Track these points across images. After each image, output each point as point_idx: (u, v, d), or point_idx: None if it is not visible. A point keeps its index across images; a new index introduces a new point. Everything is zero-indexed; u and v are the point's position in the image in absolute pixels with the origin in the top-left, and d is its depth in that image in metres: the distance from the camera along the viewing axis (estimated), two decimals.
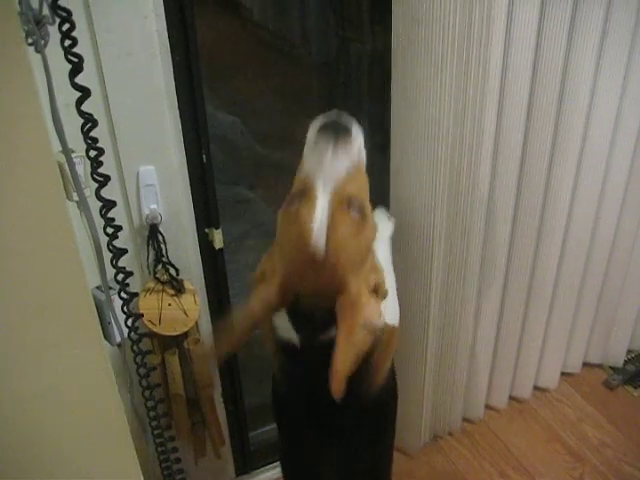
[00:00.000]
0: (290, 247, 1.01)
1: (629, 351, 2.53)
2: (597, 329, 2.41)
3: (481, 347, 2.11)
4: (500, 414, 2.34)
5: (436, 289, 1.82)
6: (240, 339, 1.10)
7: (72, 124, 0.92)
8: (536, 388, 2.42)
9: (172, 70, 1.35)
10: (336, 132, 1.00)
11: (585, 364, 2.51)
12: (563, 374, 2.47)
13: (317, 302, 1.02)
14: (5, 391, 0.60)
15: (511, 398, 2.38)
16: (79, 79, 0.88)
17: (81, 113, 0.77)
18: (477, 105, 1.59)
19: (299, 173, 1.06)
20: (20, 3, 0.75)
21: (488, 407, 2.35)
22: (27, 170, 0.54)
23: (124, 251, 0.92)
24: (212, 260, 1.62)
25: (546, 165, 1.83)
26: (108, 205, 0.88)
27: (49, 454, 0.65)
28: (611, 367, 2.52)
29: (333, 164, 0.99)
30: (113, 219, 0.91)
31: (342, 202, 0.98)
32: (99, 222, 0.97)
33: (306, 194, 0.99)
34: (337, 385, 0.94)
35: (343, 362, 0.95)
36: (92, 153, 0.85)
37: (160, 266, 1.49)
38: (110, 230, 0.92)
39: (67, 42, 0.79)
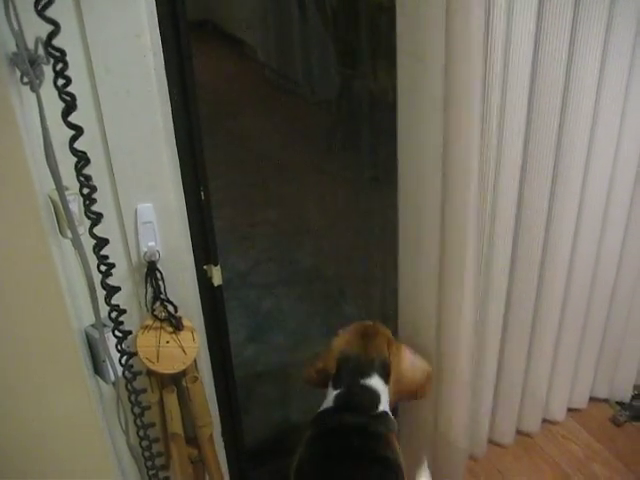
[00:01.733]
0: (351, 327, 1.64)
1: (636, 386, 2.49)
2: (603, 363, 2.39)
3: (483, 383, 2.08)
4: (506, 451, 2.30)
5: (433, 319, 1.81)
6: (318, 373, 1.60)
7: (69, 163, 0.93)
8: (544, 421, 2.38)
9: (170, 108, 1.36)
10: None
11: (592, 399, 2.47)
12: (570, 410, 2.44)
13: (363, 355, 1.54)
14: None
15: (518, 432, 2.34)
16: (75, 117, 0.89)
17: (74, 151, 0.77)
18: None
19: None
20: (17, 45, 0.75)
21: (493, 442, 2.31)
22: (9, 209, 0.53)
23: (117, 289, 0.91)
24: (211, 297, 1.61)
25: (546, 207, 1.84)
26: (101, 243, 0.88)
27: None
28: (618, 402, 2.48)
29: None
30: (107, 257, 0.91)
31: None
32: (93, 259, 0.96)
33: None
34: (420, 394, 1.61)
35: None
36: (85, 191, 0.85)
37: (158, 303, 1.48)
38: (103, 268, 0.91)
39: (61, 81, 0.79)
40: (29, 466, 0.61)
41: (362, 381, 1.52)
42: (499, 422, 2.26)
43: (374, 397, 1.53)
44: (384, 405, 1.54)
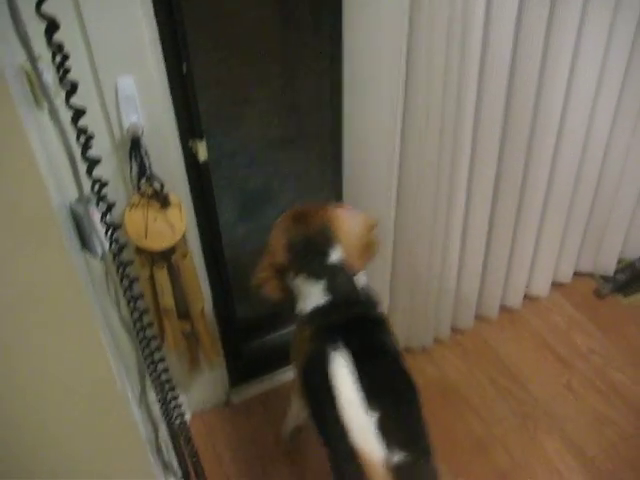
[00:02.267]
0: (288, 214, 1.53)
1: (620, 260, 2.55)
2: (588, 238, 2.42)
3: (470, 255, 2.12)
4: (491, 324, 2.38)
5: (422, 195, 1.81)
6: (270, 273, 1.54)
7: (40, 30, 0.89)
8: (527, 297, 2.44)
9: None
10: None
11: (576, 273, 2.53)
12: (554, 284, 2.49)
13: (312, 232, 1.49)
14: None
15: (502, 308, 2.40)
16: None
17: (41, 15, 0.74)
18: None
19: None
20: None
21: (479, 317, 2.38)
22: None
23: (97, 161, 0.90)
24: (197, 173, 1.60)
25: (537, 70, 1.79)
26: (78, 113, 0.85)
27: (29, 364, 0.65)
28: (602, 276, 2.54)
29: None
30: (85, 128, 0.89)
31: None
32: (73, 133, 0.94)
33: None
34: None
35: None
36: (58, 59, 0.81)
37: (144, 180, 1.47)
38: (82, 139, 0.89)
39: None
40: (10, 342, 0.62)
41: (330, 261, 1.47)
42: (485, 297, 2.32)
43: (349, 276, 1.48)
44: (360, 279, 1.51)
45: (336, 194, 1.93)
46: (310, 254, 1.49)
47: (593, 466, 1.92)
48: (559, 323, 2.38)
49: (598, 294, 2.49)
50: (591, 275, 2.55)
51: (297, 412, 1.86)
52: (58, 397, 0.68)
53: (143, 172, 1.46)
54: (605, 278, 2.53)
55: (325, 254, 1.47)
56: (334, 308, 1.48)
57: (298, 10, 1.84)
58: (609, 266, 2.52)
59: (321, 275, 1.48)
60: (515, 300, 2.39)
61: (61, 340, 0.63)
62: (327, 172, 1.99)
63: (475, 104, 1.74)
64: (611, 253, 2.49)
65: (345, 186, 1.86)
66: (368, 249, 1.56)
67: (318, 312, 1.49)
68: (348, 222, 1.52)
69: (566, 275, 2.49)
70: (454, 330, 2.34)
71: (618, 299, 2.48)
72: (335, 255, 1.47)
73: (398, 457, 1.25)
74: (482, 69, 1.69)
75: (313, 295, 1.49)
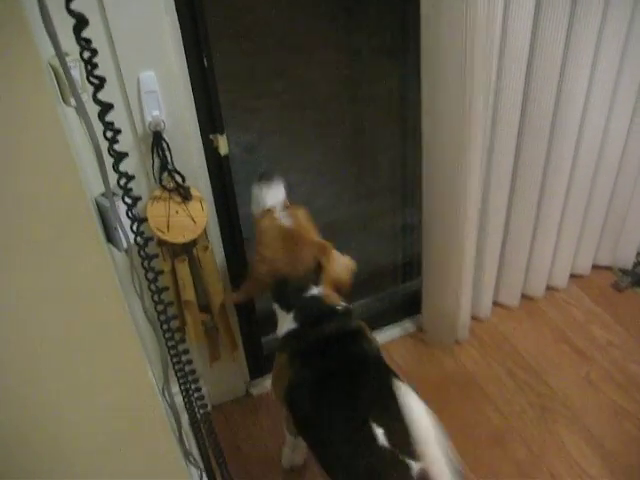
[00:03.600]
0: (271, 240, 1.52)
1: (639, 253, 2.53)
2: (607, 231, 2.42)
3: (490, 248, 2.12)
4: (509, 315, 2.38)
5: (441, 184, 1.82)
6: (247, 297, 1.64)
7: (67, 26, 0.90)
8: (547, 287, 2.44)
9: None
10: (270, 178, 1.58)
11: (595, 266, 2.52)
12: (572, 276, 2.49)
13: (298, 269, 1.49)
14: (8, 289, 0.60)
15: (522, 297, 2.41)
16: None
17: (71, 12, 0.75)
18: None
19: (254, 211, 1.59)
20: None
21: (498, 305, 2.39)
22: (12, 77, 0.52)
23: (125, 155, 0.91)
24: (218, 167, 1.62)
25: (558, 71, 1.79)
26: (106, 108, 0.86)
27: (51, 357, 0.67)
28: (620, 269, 2.53)
29: (275, 192, 1.57)
30: (112, 123, 0.90)
31: (287, 205, 1.57)
32: (99, 128, 0.96)
33: (267, 213, 1.55)
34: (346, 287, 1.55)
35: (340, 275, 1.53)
36: (86, 55, 0.83)
37: (166, 174, 1.48)
38: (109, 134, 0.91)
39: None
40: (47, 332, 0.63)
41: (307, 294, 1.50)
42: (504, 286, 2.32)
43: (323, 301, 1.51)
44: (338, 301, 1.54)
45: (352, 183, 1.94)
46: (289, 289, 1.51)
47: (612, 459, 1.92)
48: (577, 316, 2.38)
49: (617, 287, 2.48)
50: (610, 268, 2.55)
51: (293, 448, 1.86)
52: (89, 387, 0.70)
53: (165, 166, 1.47)
54: (624, 271, 2.52)
55: (303, 290, 1.50)
56: (306, 331, 1.50)
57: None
58: (628, 259, 2.51)
59: (292, 307, 1.51)
60: (535, 291, 2.39)
61: (95, 329, 0.64)
62: (346, 164, 2.01)
63: (494, 91, 1.74)
64: (630, 246, 2.48)
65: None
66: (344, 286, 1.57)
67: (290, 336, 1.52)
68: (336, 266, 1.53)
69: (585, 268, 2.49)
70: (472, 319, 2.35)
71: (637, 292, 2.47)
72: (314, 291, 1.50)
73: (418, 466, 1.23)
74: (501, 55, 1.69)
75: (285, 321, 1.53)
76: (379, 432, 1.28)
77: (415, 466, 1.22)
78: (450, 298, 2.10)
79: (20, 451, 0.71)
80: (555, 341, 2.29)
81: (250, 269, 1.56)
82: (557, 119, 1.92)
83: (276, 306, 1.55)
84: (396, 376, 1.44)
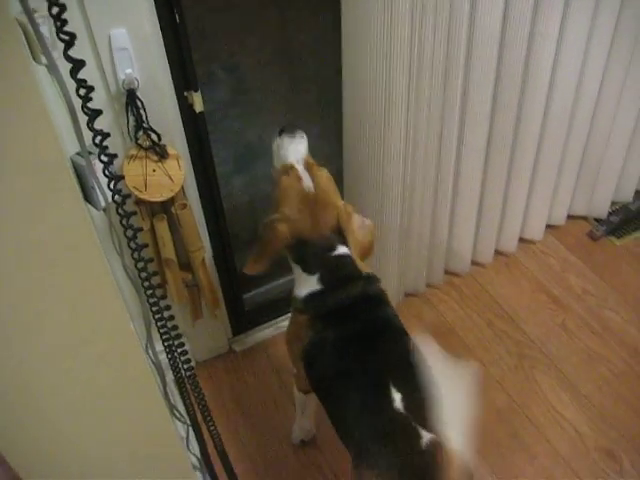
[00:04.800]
0: (293, 199, 1.46)
1: (613, 203, 2.57)
2: (582, 181, 2.44)
3: (464, 201, 2.14)
4: (487, 267, 2.41)
5: (412, 139, 1.82)
6: (265, 262, 1.51)
7: None
8: (521, 241, 2.48)
9: None
10: (293, 131, 1.53)
11: (570, 216, 2.55)
12: (548, 227, 2.52)
13: (323, 230, 1.46)
14: None
15: (497, 252, 2.44)
16: None
17: None
18: None
19: (276, 164, 1.55)
20: None
21: (475, 263, 2.42)
22: None
23: (99, 112, 0.91)
24: (194, 124, 1.61)
25: (531, 13, 1.78)
26: (78, 65, 0.86)
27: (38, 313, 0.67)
28: (595, 219, 2.57)
29: (297, 145, 1.52)
30: (85, 80, 0.89)
31: (310, 163, 1.51)
32: (72, 86, 0.95)
33: (288, 170, 1.49)
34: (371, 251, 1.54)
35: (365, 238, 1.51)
36: (54, 10, 0.82)
37: (141, 132, 1.47)
38: (83, 91, 0.90)
39: None
40: (29, 288, 0.64)
41: (332, 254, 1.47)
42: (481, 242, 2.35)
43: (352, 262, 1.49)
44: (360, 265, 1.51)
45: (334, 140, 1.94)
46: (314, 250, 1.47)
47: (587, 402, 1.98)
48: (553, 265, 2.42)
49: (592, 236, 2.52)
50: (585, 218, 2.58)
51: (303, 408, 1.82)
52: (73, 341, 0.71)
53: (140, 124, 1.46)
54: (599, 220, 2.56)
55: (330, 250, 1.47)
56: (331, 294, 1.47)
57: None
58: (602, 209, 2.54)
59: (318, 269, 1.48)
60: (510, 244, 2.42)
61: (76, 282, 0.65)
62: (326, 120, 2.00)
63: (466, 44, 1.74)
64: (604, 196, 2.51)
65: (345, 136, 1.87)
66: (368, 250, 1.54)
67: (313, 298, 1.49)
68: (357, 229, 1.50)
69: (560, 218, 2.52)
70: (451, 274, 2.38)
71: (611, 241, 2.51)
72: (341, 250, 1.47)
73: (428, 436, 1.24)
74: (473, 9, 1.69)
75: (307, 283, 1.49)
76: (397, 397, 1.30)
77: (426, 436, 1.24)
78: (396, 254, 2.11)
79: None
80: (532, 290, 2.33)
81: (263, 230, 1.49)
82: (530, 62, 1.91)
83: (297, 268, 1.51)
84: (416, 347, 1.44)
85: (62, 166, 0.65)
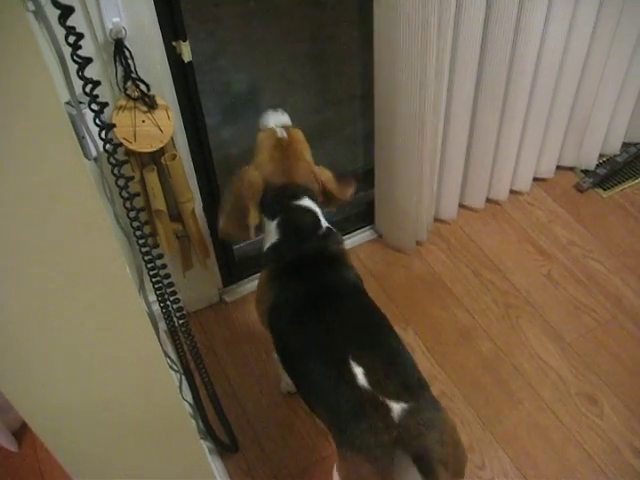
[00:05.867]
0: (266, 148, 1.56)
1: (601, 155, 2.59)
2: (571, 133, 2.45)
3: (455, 151, 2.16)
4: (474, 217, 2.44)
5: (406, 86, 1.82)
6: (234, 222, 1.55)
7: None
8: (510, 192, 2.49)
9: None
10: (275, 108, 1.68)
11: (558, 167, 2.57)
12: (536, 179, 2.54)
13: (287, 180, 1.52)
14: None
15: (487, 201, 2.46)
16: None
17: None
18: None
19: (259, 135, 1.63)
20: None
21: (464, 207, 2.45)
22: None
23: (89, 60, 0.91)
24: (182, 74, 1.60)
25: None
26: (66, 12, 0.85)
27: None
28: (583, 170, 2.59)
29: (278, 116, 1.65)
30: (73, 27, 0.89)
31: (287, 126, 1.63)
32: (61, 34, 0.94)
33: (267, 131, 1.61)
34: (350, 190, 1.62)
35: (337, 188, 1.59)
36: None
37: (130, 82, 1.47)
38: (72, 39, 0.90)
39: None
40: (27, 235, 0.65)
41: (296, 203, 1.51)
42: (470, 189, 2.37)
43: (314, 216, 1.52)
44: (324, 221, 1.54)
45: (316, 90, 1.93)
46: (279, 196, 1.52)
47: (571, 350, 2.02)
48: (540, 217, 2.45)
49: (579, 188, 2.54)
50: (572, 169, 2.60)
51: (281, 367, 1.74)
52: (68, 284, 0.72)
53: (128, 75, 1.46)
54: (586, 172, 2.57)
55: (294, 198, 1.52)
56: (287, 245, 1.49)
57: None
58: (590, 161, 2.56)
59: (278, 213, 1.51)
60: (499, 194, 2.44)
61: (71, 227, 0.66)
62: (310, 74, 1.99)
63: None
64: (593, 147, 2.52)
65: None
66: (336, 198, 1.61)
67: (272, 250, 1.51)
68: (327, 177, 1.59)
69: (548, 170, 2.54)
70: (439, 221, 2.41)
71: (598, 193, 2.53)
72: (305, 202, 1.53)
73: (398, 407, 1.20)
74: None
75: (269, 233, 1.53)
76: (358, 371, 1.25)
77: (396, 407, 1.20)
78: (404, 200, 2.14)
79: None
80: (519, 241, 2.36)
81: (235, 184, 1.54)
82: (522, 13, 1.90)
83: (264, 218, 1.56)
84: (377, 308, 1.44)
85: (59, 112, 0.65)
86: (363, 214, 2.38)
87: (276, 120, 1.64)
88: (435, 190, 2.24)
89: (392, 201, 2.18)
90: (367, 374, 1.25)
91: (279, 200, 1.52)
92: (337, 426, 1.27)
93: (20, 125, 0.61)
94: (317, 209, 1.55)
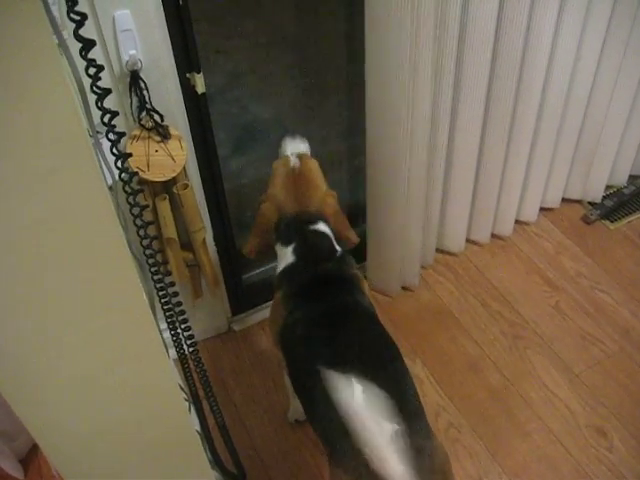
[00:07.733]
0: (280, 177, 1.58)
1: (608, 187, 2.60)
2: (577, 164, 2.47)
3: (459, 182, 2.17)
4: (482, 249, 2.45)
5: (412, 122, 1.85)
6: (259, 244, 1.62)
7: None
8: (516, 223, 2.51)
9: None
10: (294, 135, 1.68)
11: (564, 200, 2.59)
12: (543, 209, 2.56)
13: (300, 207, 1.54)
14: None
15: (493, 235, 2.47)
16: None
17: None
18: None
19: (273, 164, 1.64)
20: None
21: (470, 241, 2.46)
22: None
23: (109, 91, 0.93)
24: (195, 105, 1.63)
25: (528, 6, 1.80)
26: (88, 45, 0.88)
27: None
28: (590, 202, 2.60)
29: (296, 144, 1.66)
30: (94, 60, 0.92)
31: (302, 155, 1.63)
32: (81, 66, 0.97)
33: (282, 159, 1.63)
34: (353, 237, 1.63)
35: (342, 223, 1.61)
36: None
37: (144, 113, 1.50)
38: (92, 71, 0.92)
39: None
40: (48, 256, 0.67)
41: (311, 227, 1.54)
42: (476, 222, 2.38)
43: (329, 240, 1.55)
44: (337, 246, 1.56)
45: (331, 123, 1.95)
46: (294, 223, 1.54)
47: (579, 381, 2.02)
48: (548, 248, 2.46)
49: (586, 220, 2.55)
50: (579, 202, 2.61)
51: (294, 392, 1.72)
52: (88, 311, 0.74)
53: (143, 105, 1.49)
54: (593, 204, 2.59)
55: (309, 223, 1.54)
56: (302, 267, 1.51)
57: None
58: (597, 192, 2.57)
59: (293, 239, 1.53)
60: (506, 227, 2.45)
61: (91, 252, 0.68)
62: (324, 104, 2.01)
63: (459, 19, 1.75)
64: (599, 180, 2.54)
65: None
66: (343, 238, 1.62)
67: (286, 271, 1.52)
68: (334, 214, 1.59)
69: (555, 201, 2.55)
70: (446, 252, 2.43)
71: (605, 225, 2.54)
72: (320, 226, 1.54)
73: (394, 428, 1.19)
74: None
75: (284, 257, 1.55)
76: (358, 390, 1.23)
77: (390, 428, 1.19)
78: (394, 243, 2.14)
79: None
80: (526, 272, 2.37)
81: (256, 212, 1.60)
82: (528, 48, 1.93)
83: (278, 245, 1.57)
84: (388, 335, 1.44)
85: (83, 141, 0.67)
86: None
87: (293, 148, 1.65)
88: (437, 225, 2.25)
89: (380, 242, 2.19)
90: (365, 394, 1.23)
91: (294, 226, 1.54)
92: (330, 444, 1.28)
93: (48, 155, 0.63)
94: (331, 234, 1.56)
